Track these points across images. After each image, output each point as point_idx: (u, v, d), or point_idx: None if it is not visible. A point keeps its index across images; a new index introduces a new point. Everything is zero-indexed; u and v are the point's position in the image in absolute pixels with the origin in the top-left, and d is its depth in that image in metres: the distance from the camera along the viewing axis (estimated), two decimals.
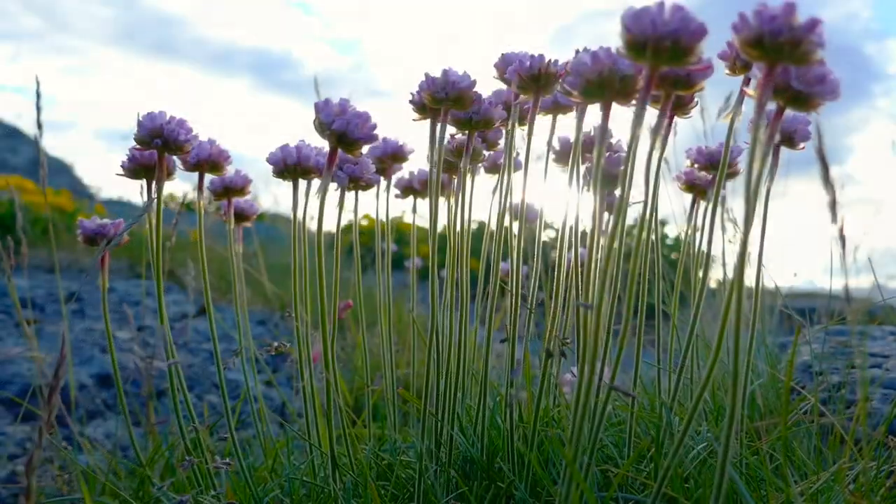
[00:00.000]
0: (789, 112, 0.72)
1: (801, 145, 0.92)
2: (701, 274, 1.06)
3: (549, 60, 0.98)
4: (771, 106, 0.66)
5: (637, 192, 0.81)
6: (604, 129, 0.72)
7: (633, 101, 0.71)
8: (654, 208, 1.00)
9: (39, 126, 1.71)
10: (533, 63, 0.98)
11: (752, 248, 0.69)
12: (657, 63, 0.66)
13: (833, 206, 0.75)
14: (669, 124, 0.87)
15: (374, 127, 0.94)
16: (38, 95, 1.70)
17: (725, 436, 0.64)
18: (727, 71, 0.90)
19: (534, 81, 0.99)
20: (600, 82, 0.70)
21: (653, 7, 0.64)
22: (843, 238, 0.78)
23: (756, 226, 0.87)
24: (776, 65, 0.63)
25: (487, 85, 1.14)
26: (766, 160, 0.61)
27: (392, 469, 1.21)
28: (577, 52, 0.93)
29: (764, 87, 0.63)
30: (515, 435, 1.10)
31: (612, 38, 0.68)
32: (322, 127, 0.94)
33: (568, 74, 0.73)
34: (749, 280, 1.16)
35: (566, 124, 1.16)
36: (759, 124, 0.62)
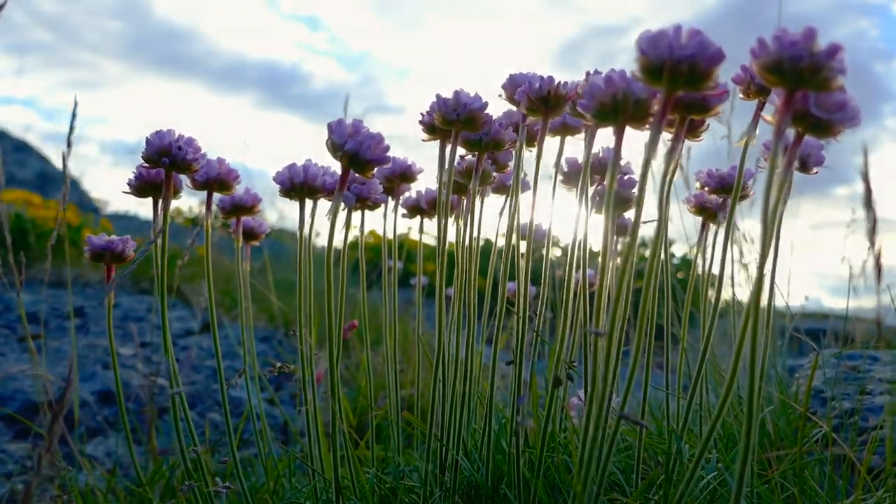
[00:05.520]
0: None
1: (815, 170, 0.91)
2: (712, 299, 1.05)
3: (559, 82, 0.98)
4: (788, 131, 0.64)
5: (647, 214, 0.80)
6: (617, 153, 0.71)
7: (647, 125, 0.70)
8: (664, 230, 0.99)
9: (69, 144, 1.69)
10: (542, 85, 0.97)
11: (764, 270, 0.67)
12: (673, 88, 0.65)
13: (872, 230, 0.73)
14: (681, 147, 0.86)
15: (387, 149, 0.93)
16: (74, 116, 1.69)
17: (739, 471, 0.62)
18: (741, 95, 0.89)
19: (543, 103, 0.98)
20: (614, 105, 0.69)
21: (669, 30, 0.63)
22: (878, 263, 0.76)
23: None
24: (795, 91, 0.61)
25: (492, 103, 1.13)
26: (785, 187, 0.60)
27: (395, 493, 1.18)
28: (588, 73, 0.92)
29: (783, 113, 0.61)
30: (521, 460, 1.08)
31: (619, 55, 0.67)
32: (334, 147, 0.93)
33: (579, 96, 0.72)
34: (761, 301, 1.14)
35: (574, 145, 1.16)
36: (778, 150, 0.60)
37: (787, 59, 0.60)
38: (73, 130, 1.68)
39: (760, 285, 0.60)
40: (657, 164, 0.84)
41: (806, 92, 0.63)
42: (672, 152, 0.69)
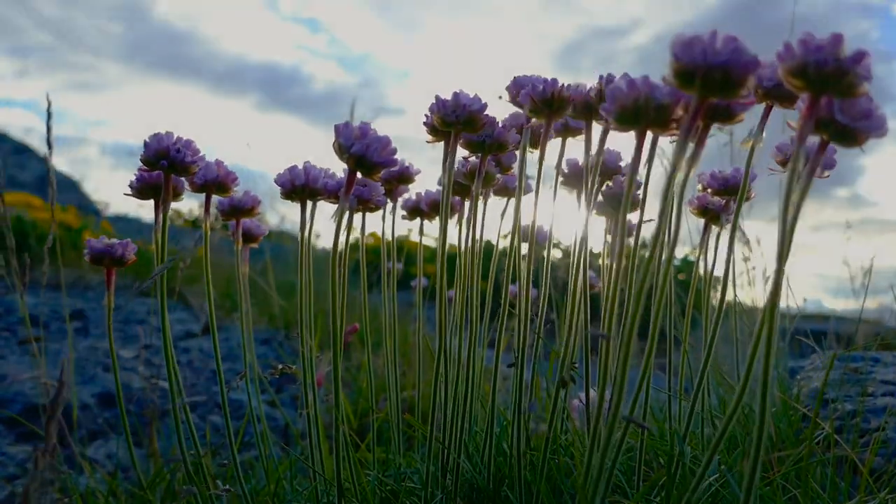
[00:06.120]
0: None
1: (826, 173, 0.90)
2: (715, 302, 1.04)
3: (562, 84, 0.97)
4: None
5: (652, 215, 0.80)
6: (637, 157, 0.70)
7: (668, 130, 0.69)
8: (671, 233, 0.99)
9: (49, 146, 1.70)
10: (546, 87, 0.97)
11: (766, 270, 0.66)
12: (705, 94, 0.63)
13: None
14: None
15: (394, 151, 0.92)
16: (49, 115, 1.70)
17: (747, 481, 0.62)
18: None
19: (546, 105, 0.98)
20: (636, 110, 0.68)
21: (705, 36, 0.62)
22: None
23: (771, 249, 0.85)
24: (820, 96, 0.61)
25: (493, 105, 1.12)
26: (806, 194, 0.60)
27: (396, 496, 1.18)
28: (602, 77, 0.92)
29: (806, 118, 0.60)
30: (523, 462, 1.08)
31: (620, 57, 0.66)
32: (341, 150, 0.92)
33: (599, 100, 0.72)
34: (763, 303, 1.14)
35: (578, 147, 1.15)
36: (800, 156, 0.59)
37: (812, 64, 0.59)
38: (50, 131, 1.69)
39: (777, 292, 0.59)
40: (659, 166, 0.83)
41: (831, 99, 0.61)
42: (693, 158, 0.68)
